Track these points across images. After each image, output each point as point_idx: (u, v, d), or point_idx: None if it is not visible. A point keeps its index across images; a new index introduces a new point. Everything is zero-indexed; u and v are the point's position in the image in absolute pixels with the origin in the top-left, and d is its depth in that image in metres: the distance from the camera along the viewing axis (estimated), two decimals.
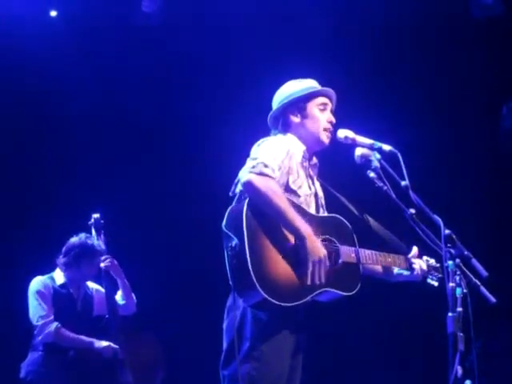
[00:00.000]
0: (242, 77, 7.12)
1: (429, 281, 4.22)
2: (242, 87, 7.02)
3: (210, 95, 7.35)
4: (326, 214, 3.94)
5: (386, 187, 3.56)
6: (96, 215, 5.83)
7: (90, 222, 5.82)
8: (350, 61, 7.09)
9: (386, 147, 3.65)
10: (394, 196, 3.54)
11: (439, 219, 3.28)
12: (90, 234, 5.79)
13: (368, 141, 3.71)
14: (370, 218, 4.05)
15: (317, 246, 3.57)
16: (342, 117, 4.03)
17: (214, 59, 7.29)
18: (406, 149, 3.57)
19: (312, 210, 3.84)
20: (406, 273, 4.12)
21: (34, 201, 7.34)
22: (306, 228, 3.57)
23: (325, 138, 3.96)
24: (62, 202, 7.24)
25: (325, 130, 3.95)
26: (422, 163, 5.87)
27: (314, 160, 4.02)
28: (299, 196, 3.77)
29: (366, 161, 3.63)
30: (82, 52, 7.20)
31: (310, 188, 3.89)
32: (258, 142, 3.82)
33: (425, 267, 4.16)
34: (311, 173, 3.95)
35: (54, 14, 7.33)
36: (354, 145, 3.72)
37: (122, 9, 7.18)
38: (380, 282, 4.18)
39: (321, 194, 4.00)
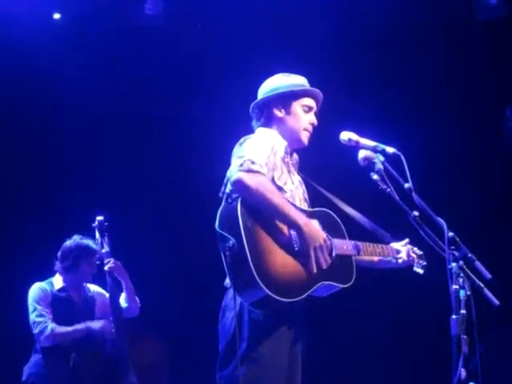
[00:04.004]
0: (243, 79, 7.11)
1: (415, 269, 4.31)
2: (243, 90, 7.00)
3: (212, 97, 7.35)
4: (315, 208, 3.92)
5: (389, 189, 3.55)
6: (100, 217, 5.83)
7: (94, 225, 5.81)
8: (353, 63, 7.09)
9: (390, 149, 3.64)
10: (397, 198, 3.53)
11: (442, 221, 3.28)
12: (94, 236, 5.79)
13: (371, 143, 3.70)
14: (351, 209, 4.07)
15: (316, 232, 3.60)
16: (345, 119, 4.03)
17: (216, 61, 7.30)
18: (408, 151, 3.57)
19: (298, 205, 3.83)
20: (392, 261, 4.18)
21: (38, 204, 7.34)
22: (301, 217, 3.59)
23: (304, 137, 3.98)
24: (65, 204, 7.24)
25: (305, 129, 3.98)
26: (425, 165, 5.87)
27: (295, 156, 4.02)
28: (285, 192, 3.77)
29: (370, 163, 3.62)
30: (85, 54, 7.20)
31: (293, 183, 3.88)
32: (240, 141, 3.81)
33: (411, 254, 4.25)
34: (291, 168, 3.94)
35: (57, 16, 7.35)
36: (357, 147, 3.70)
37: (125, 11, 7.19)
38: (382, 284, 4.19)
39: (303, 188, 4.00)
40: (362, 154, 3.65)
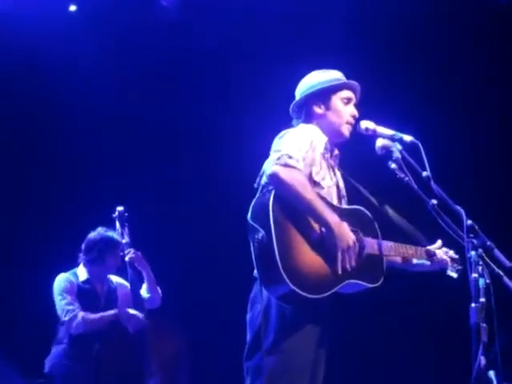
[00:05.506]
0: (261, 71, 7.10)
1: (448, 272, 4.24)
2: (262, 81, 7.01)
3: (231, 89, 7.35)
4: (349, 206, 3.92)
5: (407, 178, 3.54)
6: (120, 208, 5.84)
7: (114, 215, 5.82)
8: (367, 52, 7.03)
9: (407, 138, 3.64)
10: (415, 187, 3.52)
11: (461, 209, 3.27)
12: (115, 226, 5.81)
13: (389, 132, 3.71)
14: (389, 209, 4.04)
15: (346, 233, 3.58)
16: (363, 108, 4.02)
17: (233, 54, 7.29)
18: (426, 140, 3.57)
19: (334, 202, 3.83)
20: (426, 263, 4.15)
21: (58, 195, 7.39)
22: (333, 217, 3.57)
23: (346, 130, 3.96)
24: (85, 195, 7.28)
25: (347, 122, 3.95)
26: (443, 153, 5.84)
27: (336, 152, 4.01)
28: (322, 188, 3.76)
29: (387, 152, 3.62)
30: (100, 46, 7.23)
31: (331, 179, 3.88)
32: (280, 135, 3.81)
33: (445, 257, 4.19)
34: (332, 164, 3.94)
35: (73, 8, 7.38)
36: (374, 136, 3.71)
37: (141, 3, 7.20)
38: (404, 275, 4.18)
39: (342, 184, 4.00)
40: (379, 142, 3.65)
